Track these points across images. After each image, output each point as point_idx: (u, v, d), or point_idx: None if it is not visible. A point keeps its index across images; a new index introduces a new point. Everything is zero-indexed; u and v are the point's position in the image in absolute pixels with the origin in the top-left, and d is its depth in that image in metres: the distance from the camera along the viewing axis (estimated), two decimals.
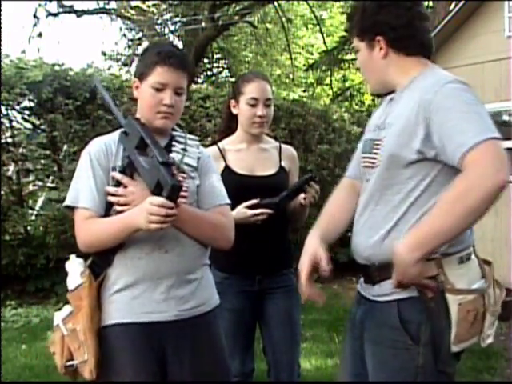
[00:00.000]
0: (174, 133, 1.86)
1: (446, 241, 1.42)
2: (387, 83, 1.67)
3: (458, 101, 1.45)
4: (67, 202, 1.73)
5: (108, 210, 1.71)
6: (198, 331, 1.76)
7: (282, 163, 2.43)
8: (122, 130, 1.77)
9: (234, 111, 2.43)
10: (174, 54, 1.77)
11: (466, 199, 1.35)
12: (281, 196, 2.27)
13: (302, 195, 2.33)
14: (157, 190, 1.59)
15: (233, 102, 2.43)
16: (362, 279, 1.71)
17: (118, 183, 1.70)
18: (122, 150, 1.74)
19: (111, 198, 1.69)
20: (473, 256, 1.57)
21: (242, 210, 2.26)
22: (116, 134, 1.79)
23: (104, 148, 1.74)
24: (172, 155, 1.76)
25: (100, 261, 1.71)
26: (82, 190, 1.70)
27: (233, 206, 2.29)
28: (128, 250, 1.70)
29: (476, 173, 1.36)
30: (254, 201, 2.26)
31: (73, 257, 1.75)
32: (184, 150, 1.81)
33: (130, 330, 1.69)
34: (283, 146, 2.51)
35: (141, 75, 1.77)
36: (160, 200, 1.56)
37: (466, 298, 1.47)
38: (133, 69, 12.57)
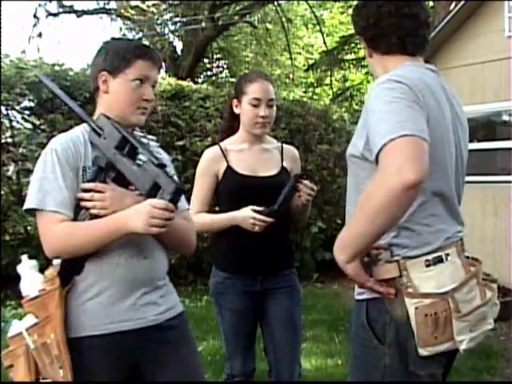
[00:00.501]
0: (135, 132, 1.77)
1: (367, 242, 1.42)
2: None
3: (379, 101, 1.44)
4: (31, 205, 1.57)
5: (76, 213, 1.59)
6: (174, 333, 1.73)
7: (284, 163, 2.43)
8: (85, 127, 1.68)
9: (236, 111, 2.42)
10: (152, 49, 1.75)
11: (370, 201, 1.35)
12: (278, 202, 2.25)
13: (297, 197, 2.30)
14: (152, 193, 1.55)
15: (235, 101, 2.42)
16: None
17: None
18: (91, 149, 1.64)
19: (86, 204, 1.58)
20: (451, 258, 1.51)
21: (247, 211, 2.24)
22: (79, 132, 1.67)
23: (71, 147, 1.61)
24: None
25: (70, 267, 1.58)
26: (50, 192, 1.56)
27: (234, 206, 2.30)
28: (104, 255, 1.60)
29: (379, 174, 1.35)
30: (259, 208, 2.24)
31: (25, 258, 1.61)
32: (150, 152, 1.70)
33: (103, 342, 1.59)
34: (285, 146, 2.51)
35: (115, 69, 1.66)
36: (163, 203, 1.51)
37: (421, 301, 1.45)
38: None
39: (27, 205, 1.59)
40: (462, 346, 1.48)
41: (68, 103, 1.74)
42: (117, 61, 1.67)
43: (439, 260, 1.49)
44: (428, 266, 1.48)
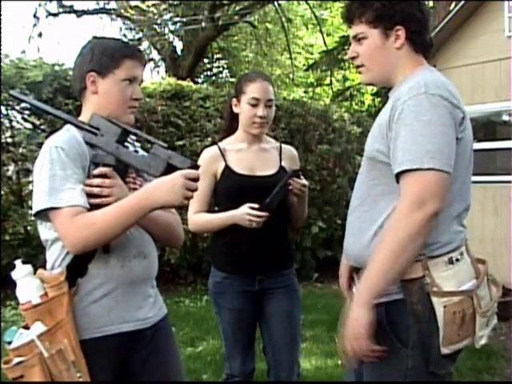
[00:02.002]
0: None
1: (393, 278, 1.47)
2: (389, 76, 1.65)
3: (415, 118, 1.46)
4: (46, 205, 1.51)
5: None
6: (162, 334, 1.74)
7: (283, 163, 2.43)
8: (74, 127, 1.64)
9: (236, 110, 2.42)
10: (135, 46, 1.75)
11: (397, 233, 1.45)
12: (270, 196, 2.24)
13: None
14: (167, 175, 1.52)
15: (234, 100, 2.42)
16: (357, 281, 1.72)
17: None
18: (89, 149, 1.61)
19: (94, 189, 1.55)
20: (465, 256, 1.56)
21: (243, 208, 2.24)
22: (74, 131, 1.64)
23: (76, 145, 1.58)
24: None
25: (74, 270, 1.56)
26: (63, 189, 1.51)
27: (232, 206, 2.30)
28: (110, 258, 1.59)
29: (403, 205, 1.45)
30: (255, 205, 2.24)
31: (19, 264, 1.55)
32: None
33: (101, 343, 1.57)
34: (284, 146, 2.51)
35: (104, 69, 1.65)
36: (195, 172, 1.50)
37: (451, 300, 1.47)
38: None
39: (40, 206, 1.52)
40: (482, 341, 1.52)
41: (53, 113, 1.71)
42: (105, 61, 1.65)
43: (457, 259, 1.52)
44: (449, 264, 1.51)
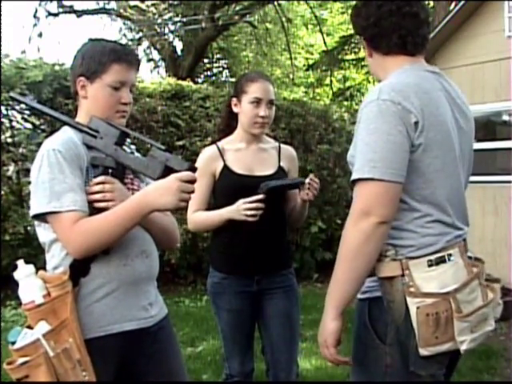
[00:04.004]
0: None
1: (352, 287, 1.50)
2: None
3: (364, 128, 1.49)
4: (46, 209, 1.51)
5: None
6: (164, 333, 1.74)
7: (281, 163, 2.43)
8: (72, 130, 1.65)
9: (235, 110, 2.42)
10: (128, 50, 1.72)
11: (347, 244, 1.49)
12: (266, 183, 2.25)
13: (303, 192, 2.30)
14: (165, 177, 1.54)
15: (234, 100, 2.42)
16: None
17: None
18: (87, 151, 1.61)
19: (95, 196, 1.56)
20: (454, 259, 1.52)
21: (238, 203, 2.24)
22: (71, 134, 1.64)
23: (73, 147, 1.58)
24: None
25: (76, 269, 1.55)
26: (63, 192, 1.51)
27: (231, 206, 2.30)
28: (111, 257, 1.59)
29: (351, 215, 1.48)
30: (251, 198, 2.23)
31: (21, 264, 1.55)
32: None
33: (104, 342, 1.57)
34: (283, 146, 2.51)
35: (92, 74, 1.65)
36: (190, 174, 1.51)
37: (424, 301, 1.46)
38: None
39: (39, 209, 1.52)
40: (463, 347, 1.48)
41: (53, 115, 1.71)
42: (93, 66, 1.65)
43: (442, 260, 1.50)
44: (430, 266, 1.49)
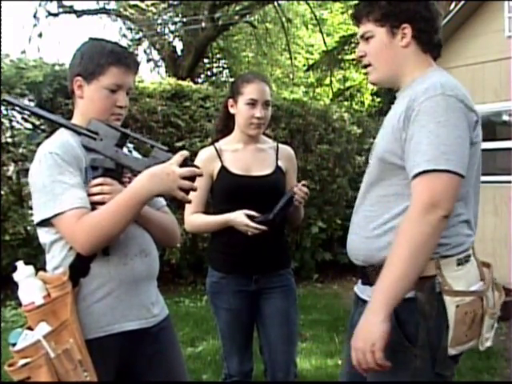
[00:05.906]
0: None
1: (410, 283, 1.43)
2: (396, 76, 1.64)
3: (431, 120, 1.45)
4: (50, 213, 1.51)
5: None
6: (165, 334, 1.74)
7: (279, 163, 2.43)
8: (71, 132, 1.64)
9: (232, 111, 2.43)
10: (127, 53, 1.70)
11: (412, 235, 1.42)
12: (274, 211, 2.24)
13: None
14: None
15: (231, 101, 2.43)
16: (359, 280, 1.71)
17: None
18: (86, 152, 1.61)
19: (95, 198, 1.56)
20: (472, 258, 1.56)
21: (241, 216, 2.25)
22: (67, 136, 1.63)
23: (70, 150, 1.58)
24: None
25: (77, 270, 1.55)
26: (64, 193, 1.51)
27: (228, 206, 2.29)
28: (112, 256, 1.59)
29: (417, 206, 1.42)
30: (253, 213, 2.25)
31: (21, 265, 1.54)
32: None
33: (105, 342, 1.57)
34: (280, 145, 2.51)
35: (89, 75, 1.64)
36: (191, 168, 1.51)
37: (463, 299, 1.47)
38: None
39: (44, 215, 1.53)
40: (487, 344, 1.52)
41: (50, 117, 1.70)
42: (91, 66, 1.64)
43: (466, 260, 1.53)
44: (459, 265, 1.51)
